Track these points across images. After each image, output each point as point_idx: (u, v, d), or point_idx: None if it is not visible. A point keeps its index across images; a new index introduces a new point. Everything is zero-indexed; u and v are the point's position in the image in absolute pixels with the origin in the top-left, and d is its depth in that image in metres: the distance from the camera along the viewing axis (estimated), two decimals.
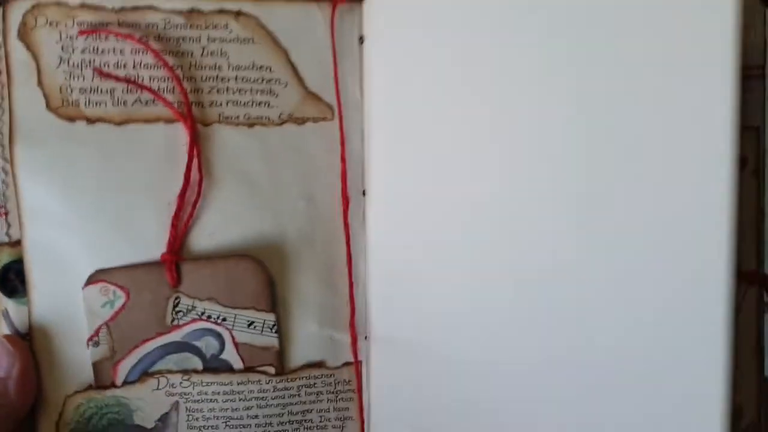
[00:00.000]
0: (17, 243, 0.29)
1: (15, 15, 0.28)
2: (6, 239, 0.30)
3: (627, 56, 0.25)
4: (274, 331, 0.30)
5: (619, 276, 0.25)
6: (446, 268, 0.29)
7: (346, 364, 0.31)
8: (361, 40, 0.30)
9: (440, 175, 0.29)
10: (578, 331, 0.26)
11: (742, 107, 0.25)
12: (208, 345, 0.30)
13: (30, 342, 0.29)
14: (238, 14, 0.29)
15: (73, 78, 0.28)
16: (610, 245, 0.25)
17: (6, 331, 0.30)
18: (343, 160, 0.30)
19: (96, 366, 0.29)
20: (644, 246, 0.25)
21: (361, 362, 0.31)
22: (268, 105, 0.30)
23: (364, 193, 0.31)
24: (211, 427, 0.30)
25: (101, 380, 0.30)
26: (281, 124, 0.30)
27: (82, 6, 0.28)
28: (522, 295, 0.27)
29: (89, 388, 0.30)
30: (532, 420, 0.28)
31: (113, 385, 0.30)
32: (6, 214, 0.30)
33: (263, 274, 0.29)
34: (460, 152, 0.28)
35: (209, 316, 0.29)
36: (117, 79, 0.28)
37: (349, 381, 0.31)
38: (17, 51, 0.28)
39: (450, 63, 0.28)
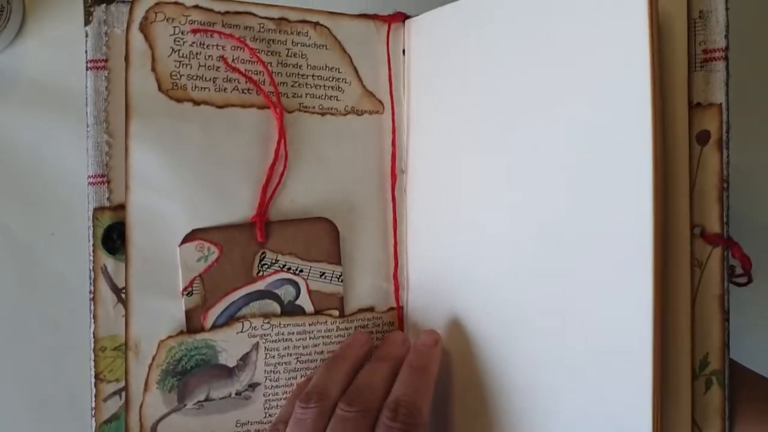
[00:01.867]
0: (118, 207, 0.34)
1: (139, 10, 0.33)
2: (108, 204, 0.34)
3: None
4: (340, 280, 0.36)
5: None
6: (464, 227, 0.36)
7: (390, 308, 0.38)
8: (403, 51, 0.39)
9: (456, 155, 0.36)
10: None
11: (706, 86, 0.30)
12: (287, 292, 0.36)
13: (126, 293, 0.34)
14: (316, 25, 0.36)
15: (182, 66, 0.34)
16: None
17: (105, 286, 0.34)
18: (393, 145, 0.38)
19: (188, 313, 0.34)
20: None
21: (402, 307, 0.38)
22: (336, 99, 0.37)
23: (403, 171, 0.38)
24: (285, 363, 0.36)
25: (192, 326, 0.34)
26: (346, 114, 0.37)
27: (195, 7, 0.34)
28: (520, 231, 0.33)
29: (181, 333, 0.34)
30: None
31: (202, 330, 0.34)
32: (108, 182, 0.34)
33: (334, 233, 0.36)
34: (469, 137, 0.35)
35: (289, 268, 0.35)
36: (239, 71, 0.34)
37: (392, 323, 0.38)
38: (137, 40, 0.33)
39: (456, 73, 0.36)
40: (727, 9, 0.30)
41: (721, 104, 0.30)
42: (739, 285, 0.31)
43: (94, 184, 0.34)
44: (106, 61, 0.34)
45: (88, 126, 0.34)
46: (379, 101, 0.38)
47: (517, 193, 0.33)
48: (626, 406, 0.29)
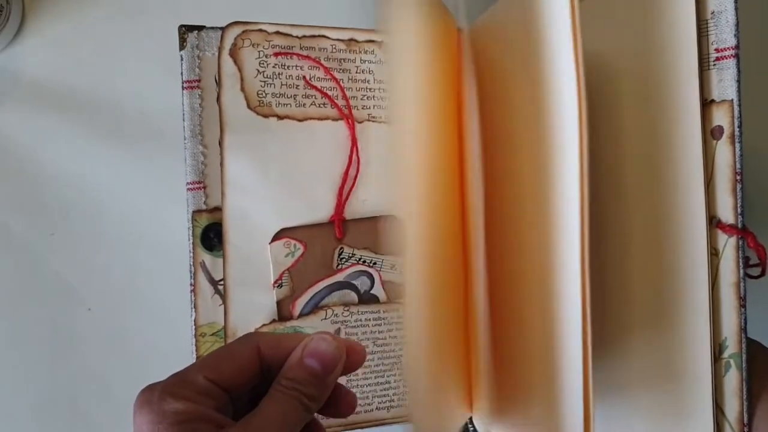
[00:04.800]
0: (214, 209, 0.38)
1: (229, 38, 0.38)
2: (205, 207, 0.38)
3: None
4: None
5: None
6: None
7: None
8: None
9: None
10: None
11: (718, 83, 0.31)
12: (363, 283, 0.40)
13: (224, 287, 0.38)
14: (381, 44, 0.41)
15: (267, 85, 0.38)
16: None
17: (204, 279, 0.38)
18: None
19: (279, 303, 0.39)
20: None
21: None
22: None
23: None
24: (364, 346, 0.40)
25: (283, 314, 0.39)
26: None
27: (277, 33, 0.38)
28: None
29: (273, 321, 0.39)
30: None
31: (291, 318, 0.39)
32: (204, 187, 0.39)
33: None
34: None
35: (364, 261, 0.40)
36: (316, 88, 0.39)
37: None
38: (227, 65, 0.38)
39: None
40: (736, 8, 0.32)
41: (732, 100, 0.32)
42: (752, 277, 0.33)
43: (192, 189, 0.38)
44: (199, 81, 0.38)
45: (185, 139, 0.38)
46: None
47: None
48: None
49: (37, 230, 0.48)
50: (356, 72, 0.40)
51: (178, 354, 0.38)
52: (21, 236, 0.49)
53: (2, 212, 0.49)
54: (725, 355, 0.33)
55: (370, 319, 0.40)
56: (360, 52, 0.40)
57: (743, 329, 0.32)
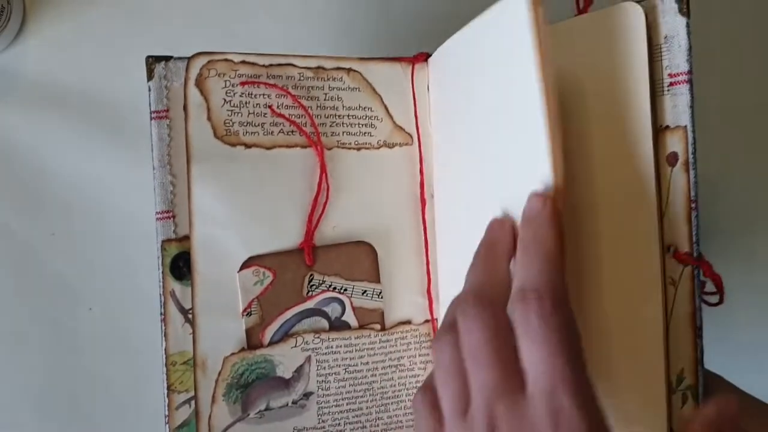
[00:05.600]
0: (183, 238, 0.38)
1: (194, 68, 0.38)
2: (174, 236, 0.39)
3: None
4: (380, 297, 0.40)
5: None
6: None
7: (426, 321, 0.42)
8: (428, 88, 0.43)
9: (460, 181, 0.40)
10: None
11: (672, 109, 0.31)
12: (333, 309, 0.40)
13: (192, 316, 0.38)
14: (349, 71, 0.41)
15: (234, 114, 0.38)
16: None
17: (174, 308, 0.38)
18: (421, 173, 0.42)
19: (248, 332, 0.39)
20: None
21: (436, 319, 0.42)
22: (370, 134, 0.41)
23: (432, 196, 0.43)
24: (335, 373, 0.40)
25: (252, 342, 0.39)
26: (379, 148, 0.41)
27: (243, 62, 0.39)
28: None
29: (242, 349, 0.39)
30: None
31: (261, 346, 0.39)
32: (174, 216, 0.39)
33: (373, 254, 0.40)
34: (463, 165, 0.38)
35: (335, 288, 0.40)
36: (283, 116, 0.39)
37: (428, 334, 0.42)
38: (193, 95, 0.38)
39: (453, 106, 0.40)
40: (689, 33, 0.31)
41: (686, 126, 0.31)
42: (710, 305, 0.32)
43: (161, 219, 0.38)
44: (167, 111, 0.39)
45: (154, 168, 0.38)
46: (408, 134, 0.42)
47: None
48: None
49: (37, 230, 0.49)
50: (324, 99, 0.40)
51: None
52: (21, 236, 0.49)
53: (3, 212, 0.49)
54: (682, 386, 0.32)
55: (341, 346, 0.40)
56: (328, 79, 0.40)
57: (699, 360, 0.31)
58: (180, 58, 0.39)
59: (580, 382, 0.25)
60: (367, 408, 0.40)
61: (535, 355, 0.25)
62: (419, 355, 0.42)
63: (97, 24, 0.49)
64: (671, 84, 0.32)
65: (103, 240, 0.48)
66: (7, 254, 0.49)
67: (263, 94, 0.39)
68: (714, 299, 0.33)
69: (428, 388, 0.29)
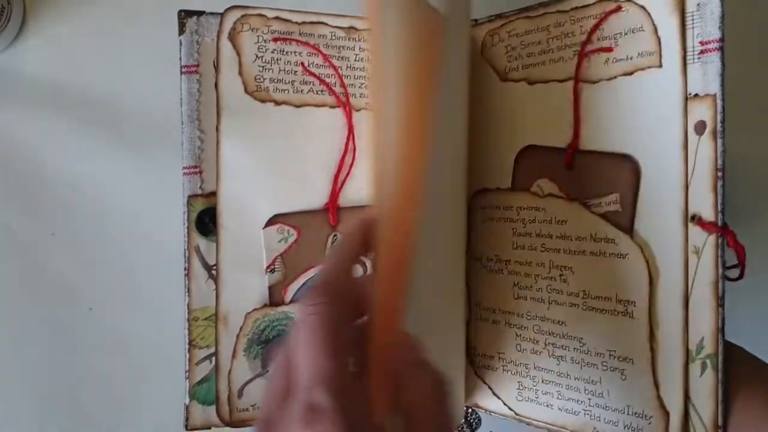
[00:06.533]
0: (210, 194, 0.39)
1: (228, 22, 0.38)
2: (200, 192, 0.39)
3: None
4: None
5: None
6: None
7: None
8: None
9: None
10: None
11: (702, 77, 0.31)
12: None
13: (216, 272, 0.38)
14: None
15: (265, 70, 0.38)
16: None
17: (198, 263, 0.38)
18: None
19: (271, 288, 0.39)
20: None
21: None
22: None
23: None
24: None
25: (274, 299, 0.39)
26: None
27: (276, 18, 0.38)
28: None
29: (264, 306, 0.39)
30: None
31: (283, 303, 0.39)
32: (201, 172, 0.39)
33: None
34: None
35: None
36: (314, 75, 0.39)
37: None
38: (225, 48, 0.38)
39: None
40: (722, 0, 0.31)
41: (715, 94, 0.31)
42: (731, 280, 0.32)
43: (188, 174, 0.38)
44: (197, 66, 0.38)
45: (182, 123, 0.38)
46: None
47: None
48: None
49: (37, 230, 0.49)
50: (355, 60, 0.40)
51: (178, 354, 0.39)
52: (22, 236, 0.49)
53: (3, 212, 0.49)
54: (702, 355, 0.32)
55: None
56: (359, 40, 0.40)
57: (720, 330, 0.31)
58: (212, 14, 0.38)
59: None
60: None
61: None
62: None
63: (97, 24, 0.49)
64: (702, 52, 0.31)
65: (103, 240, 0.48)
66: (8, 254, 0.49)
67: (295, 52, 0.39)
68: (734, 274, 0.32)
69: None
